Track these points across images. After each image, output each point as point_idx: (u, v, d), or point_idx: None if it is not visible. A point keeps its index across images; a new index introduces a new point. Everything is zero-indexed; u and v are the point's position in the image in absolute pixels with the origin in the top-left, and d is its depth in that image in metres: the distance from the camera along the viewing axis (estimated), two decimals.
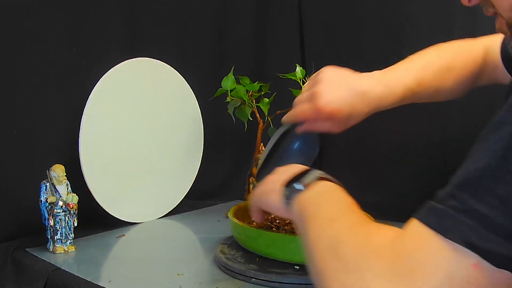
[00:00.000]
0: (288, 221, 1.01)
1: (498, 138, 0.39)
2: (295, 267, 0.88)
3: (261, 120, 1.25)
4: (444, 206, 0.41)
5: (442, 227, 0.40)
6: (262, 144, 1.28)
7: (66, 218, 1.03)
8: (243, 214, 1.07)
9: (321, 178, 0.63)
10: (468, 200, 0.39)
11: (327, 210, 0.55)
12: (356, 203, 0.57)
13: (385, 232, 0.47)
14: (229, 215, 1.01)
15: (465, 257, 0.38)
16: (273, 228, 0.99)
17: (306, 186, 0.61)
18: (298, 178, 0.63)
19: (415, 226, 0.43)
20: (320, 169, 0.66)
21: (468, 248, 0.38)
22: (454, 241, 0.39)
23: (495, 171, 0.39)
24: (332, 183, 0.62)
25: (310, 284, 0.84)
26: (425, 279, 0.39)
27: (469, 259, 0.38)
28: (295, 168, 0.67)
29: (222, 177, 1.55)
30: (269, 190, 0.68)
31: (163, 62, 1.30)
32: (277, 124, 1.26)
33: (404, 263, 0.40)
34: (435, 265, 0.39)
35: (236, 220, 0.98)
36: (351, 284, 0.43)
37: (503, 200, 0.38)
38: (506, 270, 0.38)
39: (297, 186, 0.62)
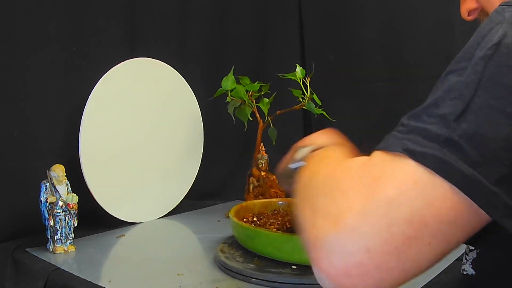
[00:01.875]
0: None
1: (442, 84, 0.46)
2: (293, 266, 0.88)
3: (261, 120, 1.25)
4: (394, 132, 0.47)
5: (388, 144, 0.46)
6: (262, 144, 1.28)
7: (66, 218, 1.03)
8: (244, 214, 1.07)
9: (313, 150, 0.65)
10: (412, 123, 0.46)
11: (309, 171, 0.58)
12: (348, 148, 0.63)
13: (353, 160, 0.51)
14: (230, 215, 1.01)
15: (407, 163, 0.43)
16: (274, 228, 0.99)
17: (298, 161, 0.65)
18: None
19: (372, 154, 0.48)
20: None
21: (407, 154, 0.43)
22: (397, 151, 0.44)
23: (437, 101, 0.45)
24: (324, 148, 0.65)
25: (310, 284, 0.84)
26: (385, 184, 0.44)
27: (411, 164, 0.43)
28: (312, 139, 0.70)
29: (222, 177, 1.55)
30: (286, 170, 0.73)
31: (163, 62, 1.30)
32: (277, 124, 1.26)
33: (367, 177, 0.45)
34: (389, 173, 0.44)
35: (236, 220, 0.98)
36: (324, 206, 0.46)
37: (442, 117, 0.44)
38: (442, 176, 0.42)
39: (291, 165, 0.66)
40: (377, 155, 0.46)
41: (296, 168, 0.64)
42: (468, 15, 0.73)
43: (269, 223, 1.02)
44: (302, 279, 0.85)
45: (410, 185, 0.42)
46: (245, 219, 1.04)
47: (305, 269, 0.87)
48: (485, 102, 0.43)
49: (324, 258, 0.43)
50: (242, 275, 0.88)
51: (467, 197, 0.41)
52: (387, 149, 0.45)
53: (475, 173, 0.41)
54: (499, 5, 0.50)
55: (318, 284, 0.80)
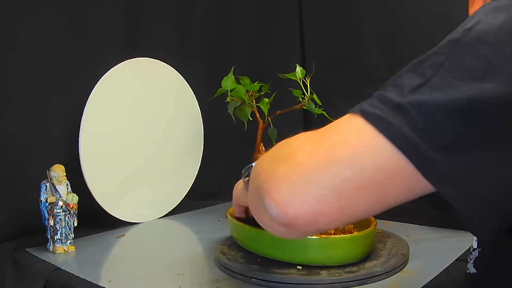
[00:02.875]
0: None
1: (417, 62, 0.50)
2: (298, 267, 0.88)
3: (261, 120, 1.25)
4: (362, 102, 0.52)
5: (352, 109, 0.51)
6: (262, 144, 1.28)
7: (66, 218, 1.03)
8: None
9: None
10: (378, 92, 0.51)
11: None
12: None
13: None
14: (228, 216, 1.01)
15: (357, 119, 0.49)
16: None
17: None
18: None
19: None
20: None
21: (360, 113, 0.49)
22: (354, 111, 0.50)
23: (401, 73, 0.50)
24: None
25: (312, 284, 0.84)
26: (334, 132, 0.51)
27: (360, 120, 0.49)
28: None
29: (222, 177, 1.55)
30: (238, 183, 0.79)
31: (163, 62, 1.30)
32: (277, 124, 1.26)
33: (322, 130, 0.52)
34: (340, 125, 0.51)
35: (235, 221, 0.98)
36: (279, 155, 0.53)
37: (399, 86, 0.49)
38: (383, 134, 0.46)
39: (252, 164, 0.68)
40: (338, 119, 0.52)
41: (249, 168, 0.69)
42: None
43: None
44: (308, 278, 0.85)
45: (353, 133, 0.48)
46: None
47: (308, 268, 0.87)
48: (443, 81, 0.46)
49: (274, 188, 0.49)
50: (242, 275, 0.88)
51: (404, 156, 0.46)
52: (350, 111, 0.51)
53: (415, 137, 0.45)
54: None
55: (321, 284, 0.81)
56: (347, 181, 0.47)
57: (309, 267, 0.87)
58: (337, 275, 0.85)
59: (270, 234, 0.92)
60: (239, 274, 0.89)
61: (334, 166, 0.47)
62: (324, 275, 0.85)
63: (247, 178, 0.70)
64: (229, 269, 0.91)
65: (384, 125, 0.47)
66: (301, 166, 0.48)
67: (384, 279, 0.86)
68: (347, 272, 0.86)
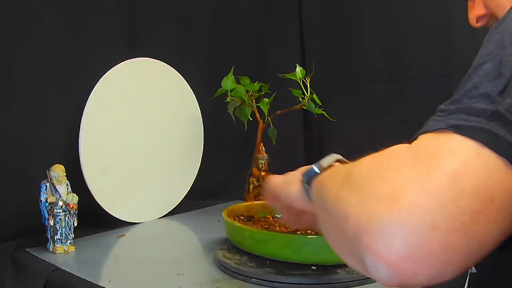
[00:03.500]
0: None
1: (476, 74, 0.45)
2: (312, 267, 0.88)
3: (261, 120, 1.25)
4: (432, 117, 0.45)
5: (429, 126, 0.44)
6: (262, 144, 1.28)
7: (66, 218, 1.03)
8: (233, 217, 1.04)
9: (339, 161, 0.62)
10: (452, 107, 0.44)
11: (346, 168, 0.53)
12: None
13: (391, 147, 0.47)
14: (225, 219, 0.99)
15: (456, 138, 0.41)
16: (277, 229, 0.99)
17: (321, 168, 0.60)
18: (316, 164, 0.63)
19: (419, 138, 0.46)
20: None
21: (453, 130, 0.42)
22: (441, 128, 0.43)
23: (475, 85, 0.44)
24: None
25: (312, 284, 0.84)
26: (444, 158, 0.41)
27: (460, 139, 0.41)
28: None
29: (222, 177, 1.55)
30: (289, 181, 0.68)
31: (163, 62, 1.30)
32: (277, 124, 1.26)
33: (420, 154, 0.42)
34: (444, 148, 0.41)
35: (237, 224, 0.97)
36: (374, 189, 0.42)
37: (484, 95, 0.42)
38: (492, 149, 0.40)
39: (315, 167, 0.61)
40: (421, 137, 0.44)
41: (312, 174, 0.61)
42: (476, 22, 0.73)
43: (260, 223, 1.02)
44: (308, 279, 0.85)
45: (473, 157, 0.40)
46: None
47: (323, 268, 0.87)
48: None
49: (382, 242, 0.39)
50: (242, 275, 0.88)
51: None
52: (429, 130, 0.43)
53: None
54: None
55: (323, 284, 0.78)
56: (478, 217, 0.39)
57: (324, 267, 0.87)
58: (338, 274, 0.86)
59: (281, 236, 0.91)
60: (239, 274, 0.89)
61: (461, 202, 0.39)
62: (341, 273, 0.86)
63: (308, 183, 0.62)
64: (229, 269, 0.91)
65: (491, 139, 0.40)
66: (418, 209, 0.38)
67: None
68: (347, 272, 0.86)
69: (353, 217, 0.42)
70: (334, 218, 0.46)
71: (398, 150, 0.44)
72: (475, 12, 0.73)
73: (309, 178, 0.62)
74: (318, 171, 0.60)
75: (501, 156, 0.40)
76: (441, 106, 0.46)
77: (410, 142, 0.45)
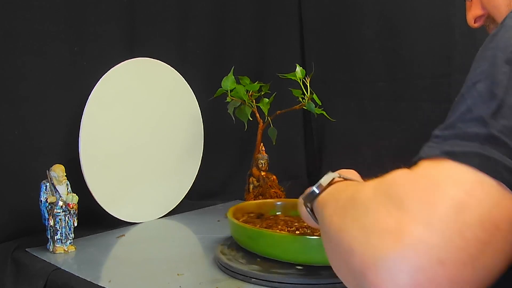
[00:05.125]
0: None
1: (470, 93, 0.45)
2: (297, 267, 0.88)
3: (261, 120, 1.25)
4: (427, 143, 0.45)
5: (423, 152, 0.44)
6: (262, 144, 1.28)
7: (66, 218, 1.03)
8: (240, 214, 1.06)
9: (337, 179, 0.62)
10: (447, 132, 0.44)
11: (347, 193, 0.52)
12: None
13: (391, 173, 0.47)
14: (228, 216, 1.01)
15: (446, 164, 0.41)
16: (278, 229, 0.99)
17: (320, 187, 0.61)
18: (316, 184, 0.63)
19: (418, 165, 0.45)
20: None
21: (446, 156, 0.41)
22: (435, 155, 0.42)
23: (470, 107, 0.44)
24: (350, 181, 0.61)
25: (311, 284, 0.84)
26: (446, 188, 0.40)
27: (450, 163, 0.41)
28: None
29: (222, 177, 1.55)
30: (299, 203, 0.69)
31: (163, 62, 1.30)
32: (277, 124, 1.26)
33: (420, 184, 0.42)
34: (444, 177, 0.41)
35: (235, 221, 0.97)
36: (377, 223, 0.41)
37: (478, 118, 0.42)
38: (487, 173, 0.39)
39: (313, 189, 0.61)
40: (420, 165, 0.44)
41: (312, 195, 0.62)
42: (474, 22, 0.74)
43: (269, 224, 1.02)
44: (307, 279, 0.85)
45: (475, 186, 0.39)
46: (242, 219, 1.04)
47: (309, 269, 0.87)
48: None
49: (388, 279, 0.38)
50: (242, 275, 0.88)
51: None
52: (425, 156, 0.43)
53: None
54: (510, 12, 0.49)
55: (321, 284, 0.78)
56: (484, 247, 0.38)
57: (309, 267, 0.87)
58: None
59: (270, 234, 0.92)
60: (239, 274, 0.89)
61: (468, 234, 0.38)
62: (324, 275, 0.85)
63: (309, 207, 0.63)
64: (229, 269, 0.91)
65: (485, 163, 0.40)
66: (423, 244, 0.38)
67: None
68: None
69: (358, 252, 0.41)
70: (338, 249, 0.46)
71: (399, 179, 0.44)
72: (473, 13, 0.74)
73: (310, 201, 0.62)
74: (317, 192, 0.61)
75: (498, 181, 0.39)
76: (436, 132, 0.45)
77: (409, 167, 0.45)
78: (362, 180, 0.64)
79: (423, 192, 0.40)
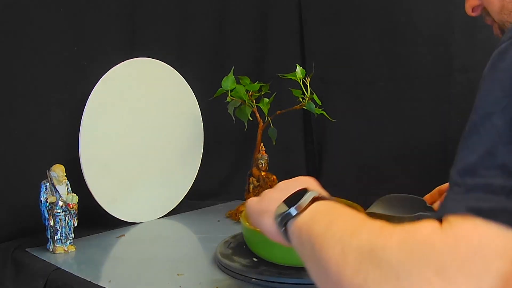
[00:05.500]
0: None
1: (486, 128, 0.43)
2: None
3: (261, 120, 1.25)
4: (449, 194, 0.44)
5: (451, 208, 0.42)
6: (262, 144, 1.28)
7: (66, 218, 1.03)
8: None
9: (315, 199, 0.59)
10: (469, 181, 0.42)
11: (342, 225, 0.50)
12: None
13: (420, 228, 0.44)
14: (241, 220, 0.97)
15: (476, 225, 0.40)
16: None
17: (300, 208, 0.58)
18: (291, 201, 0.60)
19: (449, 222, 0.43)
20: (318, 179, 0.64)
21: (473, 213, 0.40)
22: (462, 213, 0.41)
23: (491, 149, 0.42)
24: (329, 202, 0.59)
25: (311, 284, 0.84)
26: (486, 257, 0.39)
27: (480, 224, 0.39)
28: (290, 187, 0.63)
29: (222, 177, 1.55)
30: (264, 210, 0.65)
31: (163, 62, 1.30)
32: (277, 124, 1.26)
33: (455, 251, 0.40)
34: (477, 242, 0.40)
35: (250, 226, 0.96)
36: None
37: (502, 166, 0.40)
38: None
39: (291, 210, 0.58)
40: (451, 223, 0.42)
41: (288, 216, 0.58)
42: (472, 11, 0.76)
43: None
44: (307, 279, 0.84)
45: (498, 250, 0.38)
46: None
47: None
48: None
49: None
50: (242, 275, 0.88)
51: None
52: (452, 212, 0.42)
53: None
54: None
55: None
56: None
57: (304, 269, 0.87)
58: None
59: (259, 233, 0.90)
60: (239, 274, 0.89)
61: None
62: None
63: (284, 228, 0.60)
64: (229, 269, 0.91)
65: None
66: None
67: None
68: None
69: None
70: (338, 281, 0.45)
71: (436, 242, 0.41)
72: (470, 3, 0.76)
73: (284, 220, 0.59)
74: (294, 214, 0.58)
75: None
76: (456, 177, 0.44)
77: (437, 219, 0.43)
78: (323, 190, 0.62)
79: (467, 263, 0.39)
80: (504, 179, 0.40)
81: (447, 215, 0.42)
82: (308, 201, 0.58)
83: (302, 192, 0.60)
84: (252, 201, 0.70)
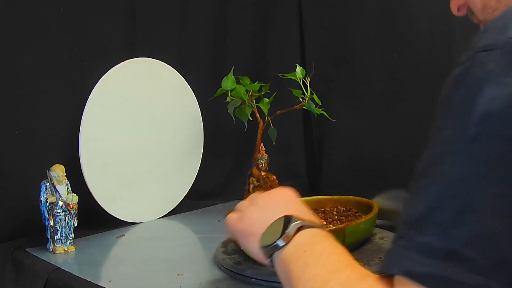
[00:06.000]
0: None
1: (439, 175, 0.42)
2: None
3: (261, 120, 1.25)
4: (394, 244, 0.44)
5: (388, 267, 0.44)
6: (262, 144, 1.28)
7: (66, 218, 1.03)
8: None
9: (301, 227, 0.59)
10: (413, 235, 0.42)
11: (314, 271, 0.52)
12: (340, 245, 0.56)
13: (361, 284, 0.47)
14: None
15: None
16: None
17: (286, 240, 0.59)
18: (275, 229, 0.60)
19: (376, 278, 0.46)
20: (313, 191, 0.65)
21: (408, 277, 0.41)
22: (398, 274, 0.42)
23: (437, 202, 0.41)
24: (313, 231, 0.59)
25: None
26: None
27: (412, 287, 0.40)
28: (269, 207, 0.64)
29: (222, 177, 1.55)
30: (248, 233, 0.65)
31: (163, 62, 1.30)
32: (277, 124, 1.26)
33: None
34: None
35: None
36: None
37: (440, 225, 0.40)
38: None
39: (279, 242, 0.59)
40: (382, 283, 0.44)
41: (274, 247, 0.59)
42: (457, 11, 0.77)
43: None
44: None
45: None
46: None
47: None
48: (486, 193, 0.39)
49: None
50: (242, 275, 0.88)
51: None
52: (387, 271, 0.43)
53: (486, 282, 0.38)
54: (475, 49, 0.45)
55: None
56: None
57: None
58: None
59: None
60: (239, 274, 0.89)
61: None
62: None
63: (270, 257, 0.61)
64: (229, 269, 0.91)
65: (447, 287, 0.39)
66: None
67: None
68: None
69: None
70: None
71: None
72: (455, 2, 0.77)
73: (270, 252, 0.60)
74: (281, 245, 0.58)
75: None
76: (403, 228, 0.44)
77: (380, 274, 0.45)
78: (303, 207, 0.63)
79: None
80: (444, 239, 0.40)
81: (385, 273, 0.44)
82: (293, 233, 0.59)
83: (286, 220, 0.60)
84: (232, 219, 0.70)
